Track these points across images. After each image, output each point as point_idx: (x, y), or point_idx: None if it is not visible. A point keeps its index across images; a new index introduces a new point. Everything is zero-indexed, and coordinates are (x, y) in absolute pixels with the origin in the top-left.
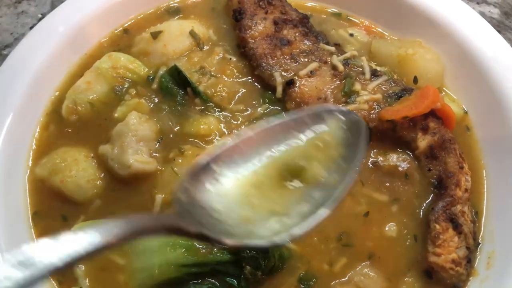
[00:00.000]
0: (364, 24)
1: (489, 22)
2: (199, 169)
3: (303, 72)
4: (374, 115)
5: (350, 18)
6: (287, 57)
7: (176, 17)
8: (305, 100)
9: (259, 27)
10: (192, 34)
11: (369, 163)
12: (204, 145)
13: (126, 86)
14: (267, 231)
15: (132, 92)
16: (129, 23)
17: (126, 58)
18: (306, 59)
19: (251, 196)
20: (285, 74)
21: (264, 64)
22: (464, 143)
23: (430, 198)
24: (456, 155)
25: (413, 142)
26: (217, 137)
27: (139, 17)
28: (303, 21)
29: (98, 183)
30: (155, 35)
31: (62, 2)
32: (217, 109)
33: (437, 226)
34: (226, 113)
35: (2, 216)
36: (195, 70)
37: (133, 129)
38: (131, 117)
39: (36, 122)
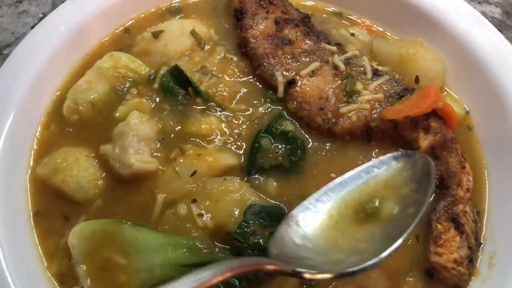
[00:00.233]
0: (366, 23)
1: (490, 21)
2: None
3: (304, 72)
4: (375, 115)
5: (351, 17)
6: (289, 57)
7: (177, 17)
8: (307, 100)
9: (260, 27)
10: (193, 33)
11: None
12: (205, 144)
13: (127, 85)
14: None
15: (133, 91)
16: (130, 22)
17: (127, 58)
18: (308, 59)
19: (336, 236)
20: (287, 73)
21: (265, 64)
22: (466, 142)
23: (432, 198)
24: (457, 155)
25: (415, 141)
26: (218, 137)
27: (140, 17)
28: (304, 21)
29: (99, 183)
30: (156, 35)
31: (63, 1)
32: (218, 109)
33: (439, 226)
34: (228, 113)
35: (3, 216)
36: (196, 70)
37: (134, 129)
38: (132, 116)
39: (37, 122)
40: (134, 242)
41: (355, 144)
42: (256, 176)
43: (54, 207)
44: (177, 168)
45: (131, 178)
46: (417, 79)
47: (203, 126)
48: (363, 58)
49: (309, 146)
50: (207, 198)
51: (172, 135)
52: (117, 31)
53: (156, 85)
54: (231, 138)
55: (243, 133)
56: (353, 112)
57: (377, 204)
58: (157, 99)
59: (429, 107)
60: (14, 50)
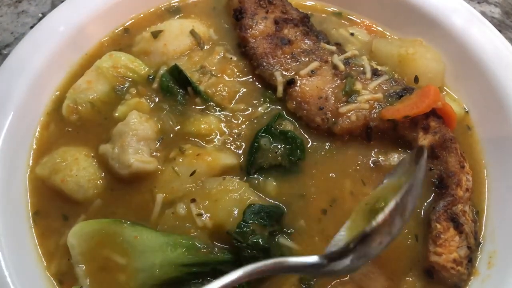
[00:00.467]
0: (365, 23)
1: (490, 21)
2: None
3: (303, 72)
4: (375, 115)
5: (350, 17)
6: (288, 57)
7: (177, 17)
8: (306, 100)
9: (259, 27)
10: (193, 33)
11: (370, 163)
12: (204, 144)
13: (126, 85)
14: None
15: (132, 91)
16: (129, 22)
17: (127, 58)
18: (307, 59)
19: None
20: (286, 73)
21: (264, 64)
22: (465, 142)
23: (431, 198)
24: (457, 155)
25: (414, 141)
26: (218, 137)
27: (139, 17)
28: (304, 21)
29: (98, 182)
30: (156, 35)
31: (63, 1)
32: (217, 109)
33: (438, 226)
34: (227, 113)
35: (2, 216)
36: (195, 70)
37: (134, 129)
38: (131, 116)
39: (37, 122)
40: (134, 242)
41: (354, 143)
42: (255, 175)
43: (53, 206)
44: (176, 168)
45: (131, 178)
46: (416, 79)
47: (202, 126)
48: (363, 58)
49: (308, 145)
50: (206, 197)
51: (172, 135)
52: (116, 31)
53: (155, 85)
54: (230, 138)
55: (243, 133)
56: (352, 111)
57: (382, 204)
58: (157, 99)
59: (428, 106)
60: (13, 50)
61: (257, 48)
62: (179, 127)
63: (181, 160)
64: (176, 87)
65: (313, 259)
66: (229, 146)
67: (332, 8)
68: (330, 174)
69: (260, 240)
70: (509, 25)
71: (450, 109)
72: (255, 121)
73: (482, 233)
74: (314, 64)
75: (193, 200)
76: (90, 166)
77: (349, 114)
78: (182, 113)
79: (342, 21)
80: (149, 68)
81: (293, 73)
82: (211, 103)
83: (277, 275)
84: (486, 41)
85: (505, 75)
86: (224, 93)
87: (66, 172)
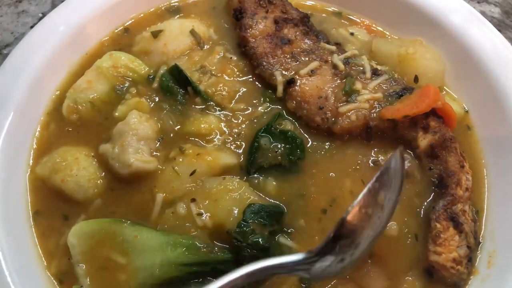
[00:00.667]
0: (365, 23)
1: (489, 21)
2: None
3: (303, 71)
4: (375, 114)
5: (350, 17)
6: (288, 56)
7: (177, 16)
8: (306, 99)
9: (259, 26)
10: (193, 33)
11: (370, 162)
12: (204, 144)
13: (126, 85)
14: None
15: (132, 91)
16: (129, 22)
17: (127, 57)
18: (307, 58)
19: None
20: (286, 73)
21: (264, 63)
22: (465, 142)
23: (431, 197)
24: (456, 154)
25: (414, 141)
26: (218, 136)
27: (139, 16)
28: (304, 20)
29: (98, 182)
30: (156, 34)
31: (63, 1)
32: (217, 108)
33: (438, 225)
34: (227, 112)
35: (3, 215)
36: (195, 69)
37: (134, 128)
38: (131, 116)
39: (37, 122)
40: (134, 241)
41: (354, 143)
42: (255, 175)
43: (53, 206)
44: (176, 168)
45: (131, 177)
46: (416, 79)
47: (202, 126)
48: (362, 58)
49: (308, 145)
50: (207, 197)
51: (172, 135)
52: (116, 30)
53: (155, 85)
54: (231, 138)
55: (243, 132)
56: (352, 111)
57: None
58: (157, 99)
59: (428, 106)
60: (13, 49)
61: (257, 48)
62: (179, 126)
63: (181, 159)
64: (176, 87)
65: (299, 255)
66: (229, 146)
67: (332, 8)
68: (330, 174)
69: (260, 240)
70: (509, 24)
71: (450, 108)
72: (255, 120)
73: (481, 232)
74: (314, 64)
75: (193, 200)
76: (90, 165)
77: (349, 114)
78: (182, 112)
79: (342, 21)
80: (149, 68)
81: (293, 72)
82: (211, 103)
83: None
84: (486, 40)
85: (505, 74)
86: (224, 93)
87: (66, 172)
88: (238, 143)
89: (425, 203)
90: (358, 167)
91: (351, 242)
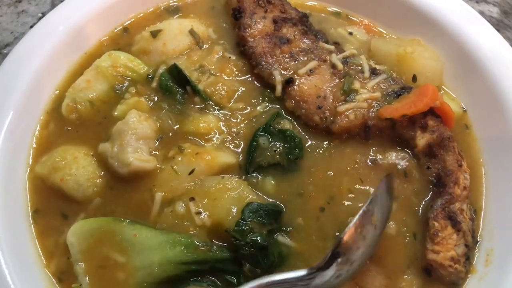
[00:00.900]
0: (364, 22)
1: (488, 21)
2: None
3: (302, 71)
4: (373, 113)
5: (349, 17)
6: (287, 56)
7: (176, 16)
8: (304, 99)
9: (258, 26)
10: (192, 32)
11: (368, 161)
12: (203, 143)
13: (125, 84)
14: None
15: (131, 90)
16: (128, 22)
17: (126, 57)
18: (306, 58)
19: None
20: (285, 72)
21: (263, 63)
22: (463, 141)
23: (429, 196)
24: (455, 153)
25: (412, 140)
26: (217, 135)
27: (138, 16)
28: (303, 20)
29: (98, 181)
30: (155, 34)
31: (62, 1)
32: (216, 108)
33: (436, 224)
34: (226, 112)
35: (2, 214)
36: (194, 69)
37: (133, 128)
38: (130, 115)
39: (36, 121)
40: (133, 240)
41: (352, 142)
42: (254, 174)
43: (53, 205)
44: (175, 167)
45: (130, 176)
46: (414, 78)
47: (201, 125)
48: (361, 57)
49: (307, 144)
50: (205, 196)
51: (171, 134)
52: (115, 30)
53: (154, 84)
54: (229, 137)
55: (241, 131)
56: (350, 110)
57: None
58: (156, 98)
59: (426, 105)
60: (13, 49)
61: (256, 47)
62: (178, 126)
63: (180, 159)
64: (175, 86)
65: (301, 272)
66: (228, 145)
67: (331, 8)
68: (328, 173)
69: (258, 238)
70: (508, 24)
71: (448, 108)
72: (253, 120)
73: (479, 231)
74: (313, 63)
75: (192, 199)
76: (89, 165)
77: (347, 113)
78: (181, 112)
79: (341, 20)
80: (148, 68)
81: (292, 72)
82: (210, 102)
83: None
84: (485, 40)
85: (503, 74)
86: (223, 92)
87: (65, 171)
88: (237, 142)
89: (423, 202)
90: (356, 166)
91: (347, 259)
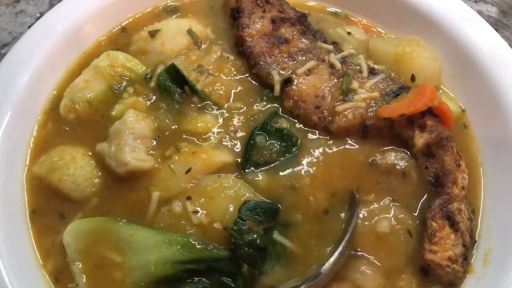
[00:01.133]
0: (362, 22)
1: (486, 20)
2: None
3: (300, 71)
4: (371, 113)
5: (348, 16)
6: (285, 56)
7: (174, 16)
8: (303, 98)
9: (256, 26)
10: (190, 32)
11: (367, 161)
12: (201, 142)
13: (124, 84)
14: None
15: (130, 90)
16: (127, 22)
17: (124, 57)
18: (304, 58)
19: None
20: (283, 72)
21: (261, 63)
22: (462, 141)
23: (427, 196)
24: (453, 153)
25: (411, 140)
26: (215, 135)
27: (137, 16)
28: (301, 20)
29: (96, 181)
30: (153, 34)
31: (60, 1)
32: (214, 107)
33: (434, 224)
34: (224, 111)
35: (0, 215)
36: (193, 69)
37: (130, 127)
38: (128, 115)
39: (34, 121)
40: (129, 240)
41: (351, 142)
42: (251, 172)
43: (50, 205)
44: (172, 166)
45: (127, 176)
46: (413, 78)
47: (199, 125)
48: (359, 57)
49: (304, 143)
50: (202, 195)
51: (168, 133)
52: (114, 30)
53: (152, 84)
54: (227, 136)
55: (239, 130)
56: (349, 110)
57: None
58: (154, 98)
59: (425, 105)
60: (11, 49)
61: (254, 47)
62: (176, 126)
63: (176, 158)
64: (173, 86)
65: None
66: (225, 144)
67: (330, 8)
68: (327, 172)
69: (257, 239)
70: (506, 24)
71: (446, 107)
72: (251, 119)
73: (477, 231)
74: (311, 63)
75: (189, 198)
76: (87, 164)
77: (345, 113)
78: (179, 111)
79: (339, 20)
80: (147, 67)
81: (290, 72)
82: (208, 102)
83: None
84: (483, 40)
85: (502, 74)
86: (221, 92)
87: (63, 171)
88: (235, 141)
89: (421, 202)
90: (355, 165)
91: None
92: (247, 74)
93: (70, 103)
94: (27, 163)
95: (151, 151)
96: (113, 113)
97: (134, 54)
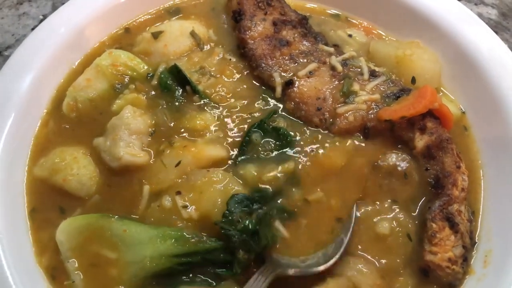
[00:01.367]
0: (363, 25)
1: (486, 23)
2: None
3: (302, 73)
4: (372, 115)
5: (349, 19)
6: (286, 58)
7: (176, 17)
8: (304, 100)
9: (258, 28)
10: (193, 34)
11: (368, 163)
12: (195, 138)
13: (125, 83)
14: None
15: (131, 87)
16: (130, 23)
17: (126, 56)
18: (305, 60)
19: None
20: (284, 74)
21: (263, 65)
22: (462, 143)
23: (427, 197)
24: (453, 155)
25: (411, 142)
26: (211, 132)
27: (139, 18)
28: (302, 22)
29: (98, 179)
30: (156, 35)
31: (63, 3)
32: (214, 106)
33: (434, 225)
34: (224, 111)
35: (1, 214)
36: (195, 70)
37: (127, 123)
38: (125, 111)
39: (37, 122)
40: (123, 236)
41: (351, 143)
42: (243, 167)
43: (50, 205)
44: (163, 160)
45: (121, 170)
46: (413, 80)
47: (198, 122)
48: (360, 59)
49: (302, 143)
50: (191, 189)
51: (165, 130)
52: (117, 32)
53: (154, 82)
54: (223, 133)
55: (236, 129)
56: (350, 112)
57: None
58: (154, 95)
59: (425, 107)
60: (14, 51)
61: (256, 50)
62: (174, 122)
63: (168, 152)
64: (175, 85)
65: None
66: (220, 140)
67: (331, 10)
68: (327, 173)
69: (248, 224)
70: (506, 26)
71: (446, 109)
72: (250, 117)
73: (477, 232)
74: (312, 65)
75: (178, 193)
76: (89, 164)
77: (346, 115)
78: (178, 109)
79: (340, 22)
80: (148, 67)
81: (292, 74)
82: (209, 101)
83: None
84: (483, 42)
85: (502, 76)
86: (222, 93)
87: (67, 172)
88: (230, 138)
89: (421, 203)
90: (355, 167)
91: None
92: (249, 76)
93: (73, 102)
94: (29, 164)
95: (146, 147)
96: (114, 107)
97: (137, 56)
